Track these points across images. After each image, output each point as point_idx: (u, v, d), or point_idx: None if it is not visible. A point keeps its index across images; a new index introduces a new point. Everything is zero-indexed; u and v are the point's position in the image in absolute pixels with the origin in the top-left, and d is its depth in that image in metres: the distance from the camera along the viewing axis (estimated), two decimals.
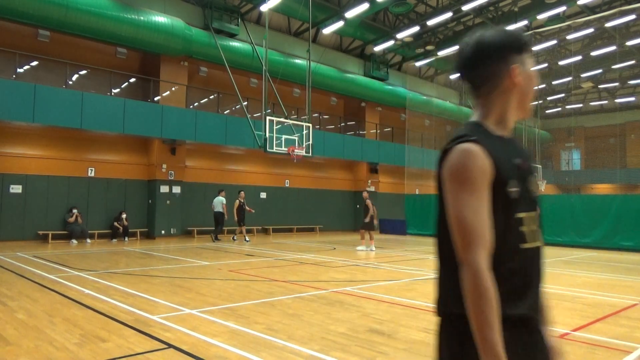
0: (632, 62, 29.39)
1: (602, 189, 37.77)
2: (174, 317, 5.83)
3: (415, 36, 25.12)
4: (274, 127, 16.32)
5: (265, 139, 16.08)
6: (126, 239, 17.40)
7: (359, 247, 15.29)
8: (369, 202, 15.18)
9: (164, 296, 7.12)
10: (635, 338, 5.32)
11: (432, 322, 5.83)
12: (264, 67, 17.15)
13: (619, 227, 17.15)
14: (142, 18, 17.07)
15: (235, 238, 18.25)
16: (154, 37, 17.40)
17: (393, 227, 23.99)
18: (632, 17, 23.52)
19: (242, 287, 8.02)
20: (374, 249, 14.98)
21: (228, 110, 21.63)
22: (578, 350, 4.81)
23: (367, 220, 14.95)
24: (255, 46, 20.32)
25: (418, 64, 27.97)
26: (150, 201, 18.77)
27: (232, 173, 21.51)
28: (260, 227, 22.06)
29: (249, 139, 18.49)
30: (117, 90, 18.90)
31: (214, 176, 20.83)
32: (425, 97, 29.19)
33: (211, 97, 21.40)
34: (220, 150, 21.02)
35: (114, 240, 17.06)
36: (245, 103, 19.50)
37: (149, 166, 18.96)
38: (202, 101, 21.47)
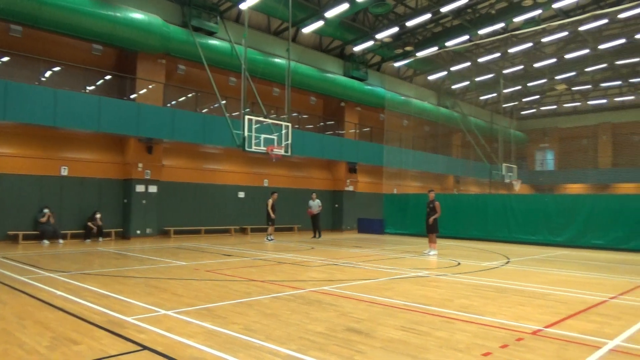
0: (604, 65, 30.17)
1: (575, 188, 38.66)
2: (148, 318, 5.74)
3: (395, 37, 25.30)
4: (253, 126, 16.22)
5: (244, 138, 15.97)
6: (100, 239, 17.07)
7: (431, 252, 14.19)
8: (437, 203, 14.31)
9: (138, 297, 7.00)
10: (605, 334, 5.45)
11: (410, 320, 5.88)
12: (243, 66, 17.03)
13: (591, 226, 17.59)
14: (118, 14, 16.76)
15: (270, 238, 17.90)
16: (131, 33, 17.10)
17: (371, 226, 24.12)
18: (605, 21, 24.15)
19: (219, 288, 7.95)
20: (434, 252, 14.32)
21: (206, 109, 21.42)
22: (550, 346, 4.91)
23: (431, 222, 14.30)
24: (235, 45, 20.17)
25: (397, 64, 28.17)
26: (125, 201, 18.45)
27: (210, 172, 21.31)
28: (238, 227, 21.92)
29: (227, 138, 18.33)
30: (92, 87, 18.51)
31: (192, 175, 20.60)
32: (403, 98, 29.43)
33: (189, 95, 21.16)
34: (198, 150, 20.80)
35: (88, 240, 16.71)
36: (224, 102, 19.35)
37: (124, 165, 18.63)
38: (179, 99, 21.20)
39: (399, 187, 28.54)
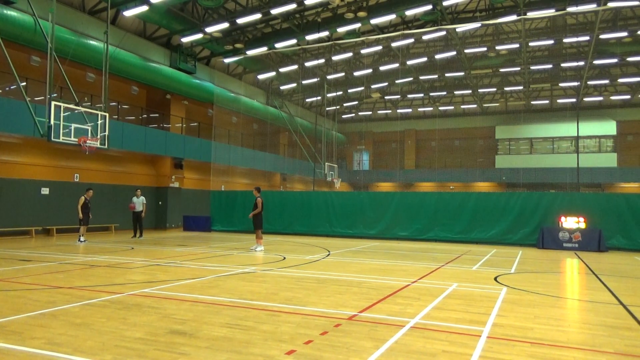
0: (411, 78, 34.42)
1: (385, 186, 43.49)
2: None
3: (225, 33, 24.97)
4: (62, 114, 14.34)
5: (50, 127, 14.02)
6: None
7: (258, 248, 14.36)
8: (259, 200, 14.52)
9: None
10: (407, 314, 6.18)
11: (235, 316, 5.83)
12: (49, 45, 14.91)
13: (397, 220, 19.92)
14: None
15: (82, 239, 16.23)
16: None
17: (198, 223, 23.47)
18: (411, 40, 27.58)
19: (13, 299, 6.81)
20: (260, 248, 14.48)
21: (0, 91, 18.23)
22: (363, 329, 5.37)
23: (250, 217, 14.58)
24: (39, 19, 17.54)
25: (227, 60, 27.89)
26: None
27: (4, 165, 18.16)
28: (40, 228, 19.16)
29: (27, 125, 15.87)
30: None
31: None
32: (233, 94, 29.31)
33: None
34: None
35: None
36: (24, 84, 16.69)
37: None
38: None
39: (226, 184, 28.34)
